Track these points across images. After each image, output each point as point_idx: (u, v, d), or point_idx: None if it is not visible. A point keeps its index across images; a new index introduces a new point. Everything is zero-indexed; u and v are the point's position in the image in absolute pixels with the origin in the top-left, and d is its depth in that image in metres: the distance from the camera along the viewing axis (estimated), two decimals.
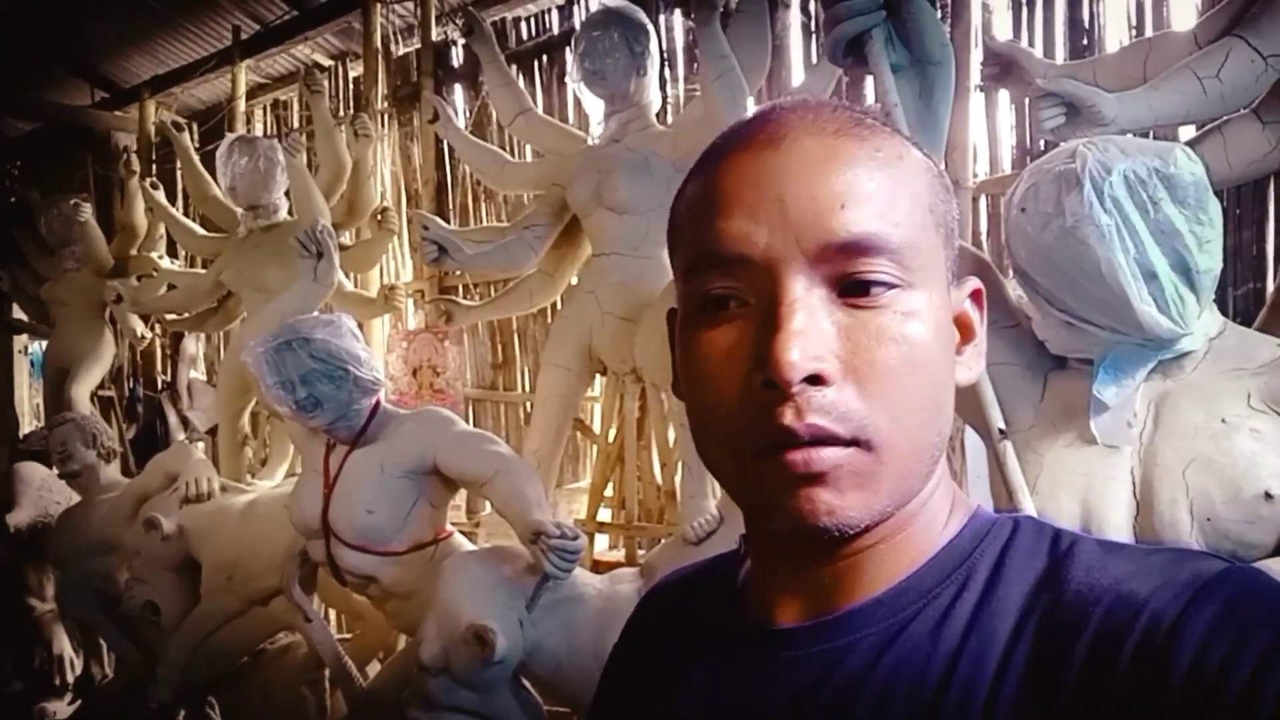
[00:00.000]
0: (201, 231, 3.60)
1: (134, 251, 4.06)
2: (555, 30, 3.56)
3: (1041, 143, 2.45)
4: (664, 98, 2.85)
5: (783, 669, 0.55)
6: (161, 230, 4.00)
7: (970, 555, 0.54)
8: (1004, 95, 2.58)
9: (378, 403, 2.30)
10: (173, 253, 4.19)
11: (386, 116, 3.70)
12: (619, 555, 2.81)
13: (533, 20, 3.64)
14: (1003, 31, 2.58)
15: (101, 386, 4.30)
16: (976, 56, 2.07)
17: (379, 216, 3.17)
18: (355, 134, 3.15)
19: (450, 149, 3.54)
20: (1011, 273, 1.52)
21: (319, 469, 2.30)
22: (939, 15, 1.60)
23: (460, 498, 2.91)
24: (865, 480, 0.49)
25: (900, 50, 1.44)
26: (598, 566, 2.63)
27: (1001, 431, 1.47)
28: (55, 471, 3.57)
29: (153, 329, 4.19)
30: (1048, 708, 0.46)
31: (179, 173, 3.84)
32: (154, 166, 4.50)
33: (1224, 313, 1.49)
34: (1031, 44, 2.53)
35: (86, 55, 4.94)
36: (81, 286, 4.04)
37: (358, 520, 2.19)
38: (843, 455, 0.49)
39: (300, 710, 2.81)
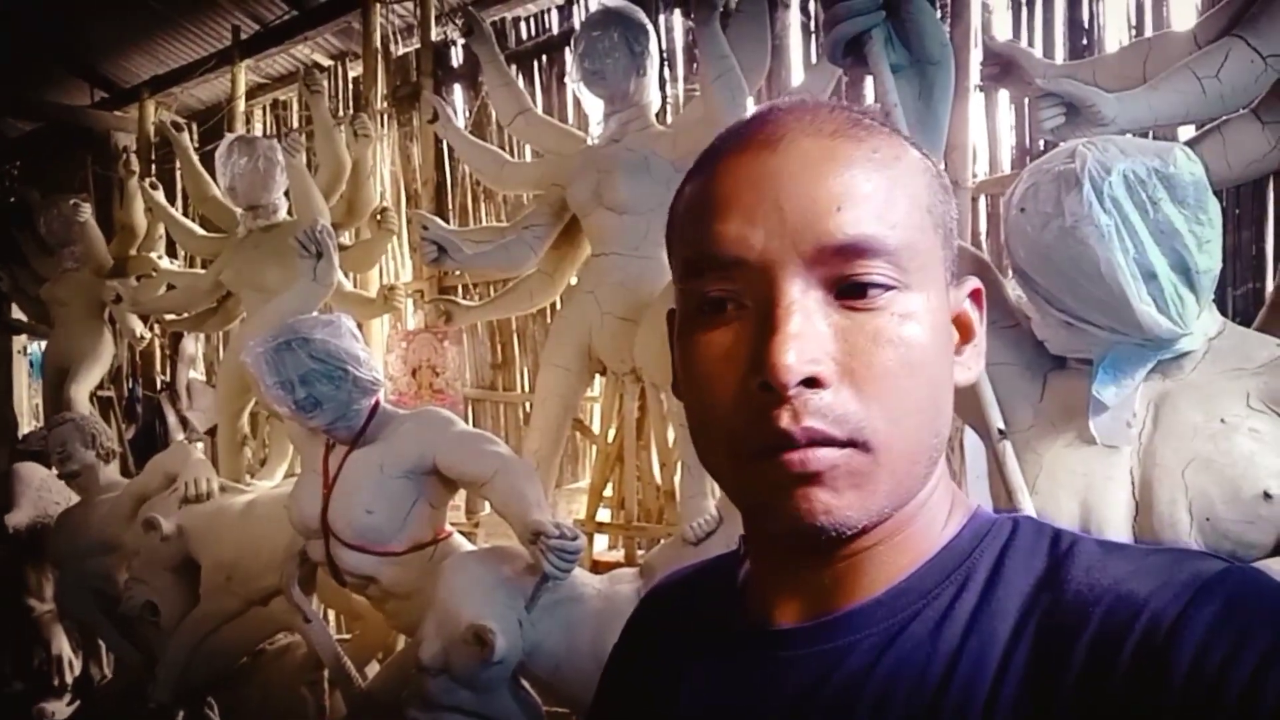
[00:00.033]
0: (201, 232, 3.59)
1: (133, 252, 4.06)
2: (555, 30, 3.56)
3: (1041, 143, 2.45)
4: (664, 98, 2.85)
5: (783, 669, 0.55)
6: (161, 230, 4.00)
7: (970, 555, 0.54)
8: (1003, 95, 2.58)
9: (377, 403, 2.30)
10: (172, 253, 4.19)
11: (386, 116, 3.70)
12: (618, 555, 2.81)
13: (532, 20, 3.64)
14: (1002, 31, 2.58)
15: (101, 387, 4.30)
16: (976, 56, 2.07)
17: (378, 216, 3.17)
18: (355, 134, 3.15)
19: (450, 149, 3.54)
20: (1011, 273, 1.52)
21: (318, 469, 2.30)
22: (938, 15, 1.60)
23: (459, 498, 2.91)
24: (862, 480, 0.49)
25: (900, 50, 1.44)
26: (597, 567, 2.63)
27: (1001, 432, 1.47)
28: (54, 472, 3.57)
29: (152, 329, 4.19)
30: (1048, 708, 0.46)
31: (178, 173, 3.84)
32: (153, 166, 4.50)
33: (1223, 313, 1.49)
34: (1031, 44, 2.53)
35: (86, 55, 4.94)
36: (81, 286, 4.04)
37: (357, 520, 2.19)
38: (839, 456, 0.49)
39: (299, 710, 2.81)
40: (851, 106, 0.55)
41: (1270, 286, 2.21)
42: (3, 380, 5.13)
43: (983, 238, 2.57)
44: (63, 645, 3.93)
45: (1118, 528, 1.37)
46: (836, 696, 0.52)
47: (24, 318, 4.61)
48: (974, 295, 0.58)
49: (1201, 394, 1.36)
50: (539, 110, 2.95)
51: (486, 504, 2.54)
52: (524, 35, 3.66)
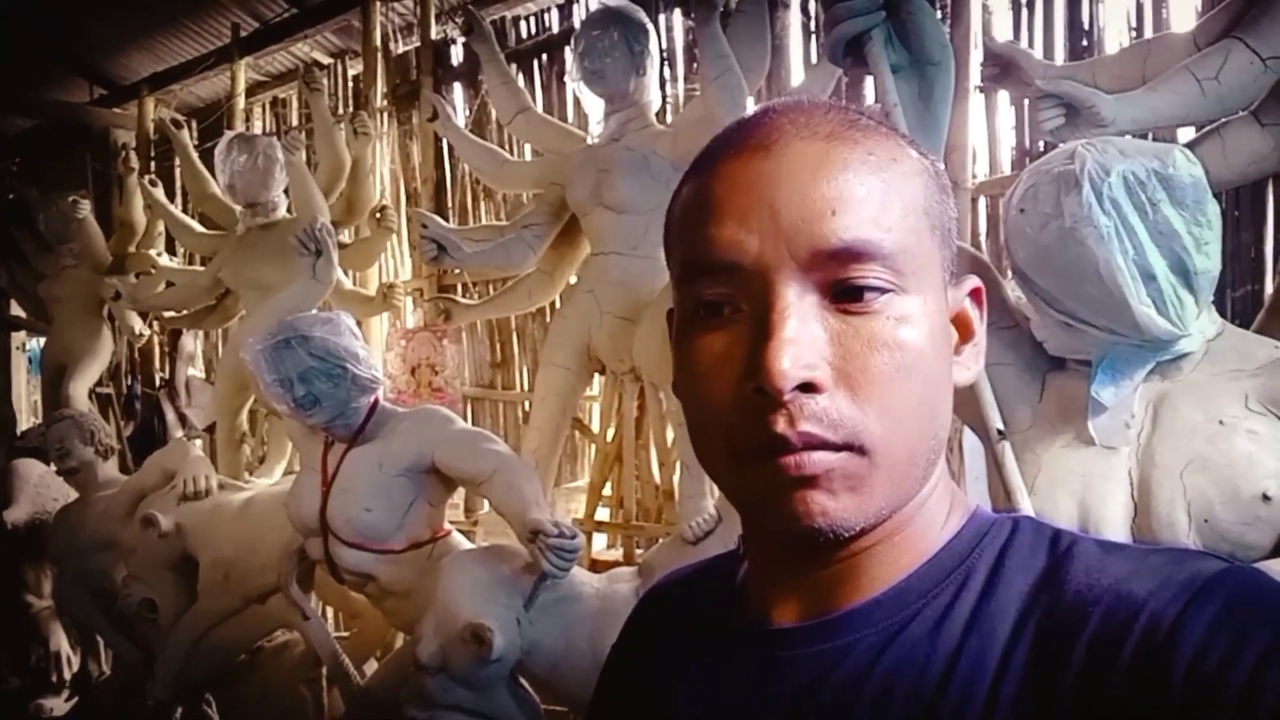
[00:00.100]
0: (200, 229, 3.59)
1: (132, 249, 4.06)
2: (555, 29, 3.56)
3: (1041, 144, 2.45)
4: (663, 97, 2.85)
5: (781, 669, 0.55)
6: (160, 228, 4.00)
7: (969, 555, 0.54)
8: (1003, 96, 2.58)
9: (376, 401, 2.30)
10: (171, 250, 4.19)
11: (386, 115, 3.70)
12: (617, 554, 2.81)
13: (532, 19, 3.63)
14: (1002, 32, 2.58)
15: (99, 383, 4.29)
16: (976, 57, 2.07)
17: (378, 215, 3.17)
18: (354, 132, 3.15)
19: (449, 147, 3.53)
20: (1010, 274, 1.52)
21: (317, 467, 2.30)
22: (938, 16, 1.60)
23: (458, 496, 2.91)
24: (858, 483, 0.50)
25: (900, 51, 1.44)
26: (595, 566, 2.63)
27: (1000, 432, 1.47)
28: (53, 468, 3.57)
29: (151, 326, 4.18)
30: (1047, 708, 0.46)
31: (178, 170, 3.84)
32: (153, 164, 4.50)
33: (1222, 315, 1.50)
34: (1031, 45, 2.53)
35: (86, 52, 4.94)
36: (80, 283, 4.04)
37: (356, 518, 2.19)
38: (835, 459, 0.49)
39: (298, 708, 2.81)
40: (848, 106, 0.55)
41: (1269, 288, 2.21)
42: (1, 377, 5.13)
43: (982, 239, 2.58)
44: (61, 642, 3.93)
45: (1116, 528, 1.37)
46: (835, 696, 0.52)
47: (23, 314, 4.61)
48: (974, 294, 0.57)
49: (1200, 395, 1.36)
50: (539, 109, 2.95)
51: (485, 502, 2.54)
52: (524, 34, 3.65)
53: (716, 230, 0.51)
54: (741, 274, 0.50)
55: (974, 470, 2.33)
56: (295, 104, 4.49)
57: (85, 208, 4.05)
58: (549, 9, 3.58)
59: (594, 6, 2.83)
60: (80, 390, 4.01)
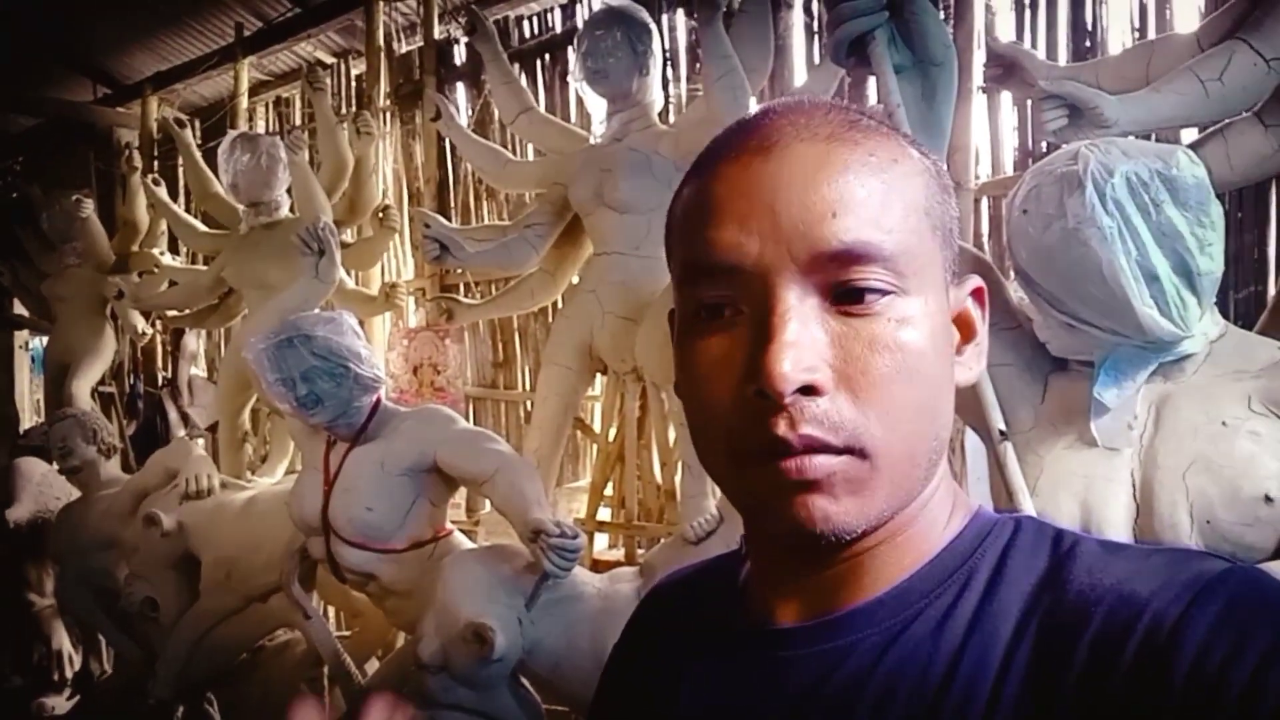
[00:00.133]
0: (203, 228, 3.60)
1: (135, 248, 4.06)
2: (558, 29, 3.56)
3: (1044, 144, 2.45)
4: (666, 97, 2.85)
5: (784, 669, 0.55)
6: (163, 227, 4.00)
7: (972, 555, 0.54)
8: (1006, 97, 2.57)
9: (378, 400, 2.30)
10: (174, 249, 4.19)
11: (389, 114, 3.71)
12: (618, 554, 2.81)
13: (535, 19, 3.64)
14: (1005, 33, 2.58)
15: (102, 382, 4.30)
16: (979, 58, 2.07)
17: (380, 214, 3.17)
18: (357, 131, 3.15)
19: (452, 147, 3.53)
20: (1013, 274, 1.52)
21: (319, 466, 2.30)
22: (942, 16, 1.60)
23: (460, 496, 2.91)
24: (860, 487, 0.49)
25: (903, 51, 1.44)
26: (597, 565, 2.63)
27: (1002, 433, 1.47)
28: (55, 467, 3.57)
29: (153, 325, 4.19)
30: (1049, 708, 0.46)
31: (181, 169, 3.85)
32: (156, 163, 4.50)
33: (1224, 316, 1.49)
34: (1034, 46, 2.53)
35: (89, 51, 4.94)
36: (83, 282, 4.04)
37: (357, 517, 2.19)
38: (836, 463, 0.49)
39: None
40: (849, 107, 0.55)
41: (1272, 290, 2.21)
42: (4, 376, 5.14)
43: (985, 239, 2.57)
44: (63, 640, 3.94)
45: (1118, 529, 1.37)
46: (838, 696, 0.52)
47: (26, 313, 4.61)
48: (975, 294, 0.57)
49: (1202, 396, 1.36)
50: (541, 109, 2.95)
51: (487, 502, 2.54)
52: (527, 34, 3.66)
53: (717, 233, 0.51)
54: (742, 276, 0.50)
55: (976, 471, 2.33)
56: (298, 103, 4.50)
57: (88, 207, 4.06)
58: (552, 9, 3.58)
59: (597, 6, 2.83)
60: (83, 389, 4.01)
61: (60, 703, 3.86)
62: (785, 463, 0.48)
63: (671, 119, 2.82)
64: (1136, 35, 2.42)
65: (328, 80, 3.44)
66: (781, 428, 0.48)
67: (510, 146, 3.23)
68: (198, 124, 4.29)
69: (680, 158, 2.44)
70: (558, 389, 2.69)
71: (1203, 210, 1.32)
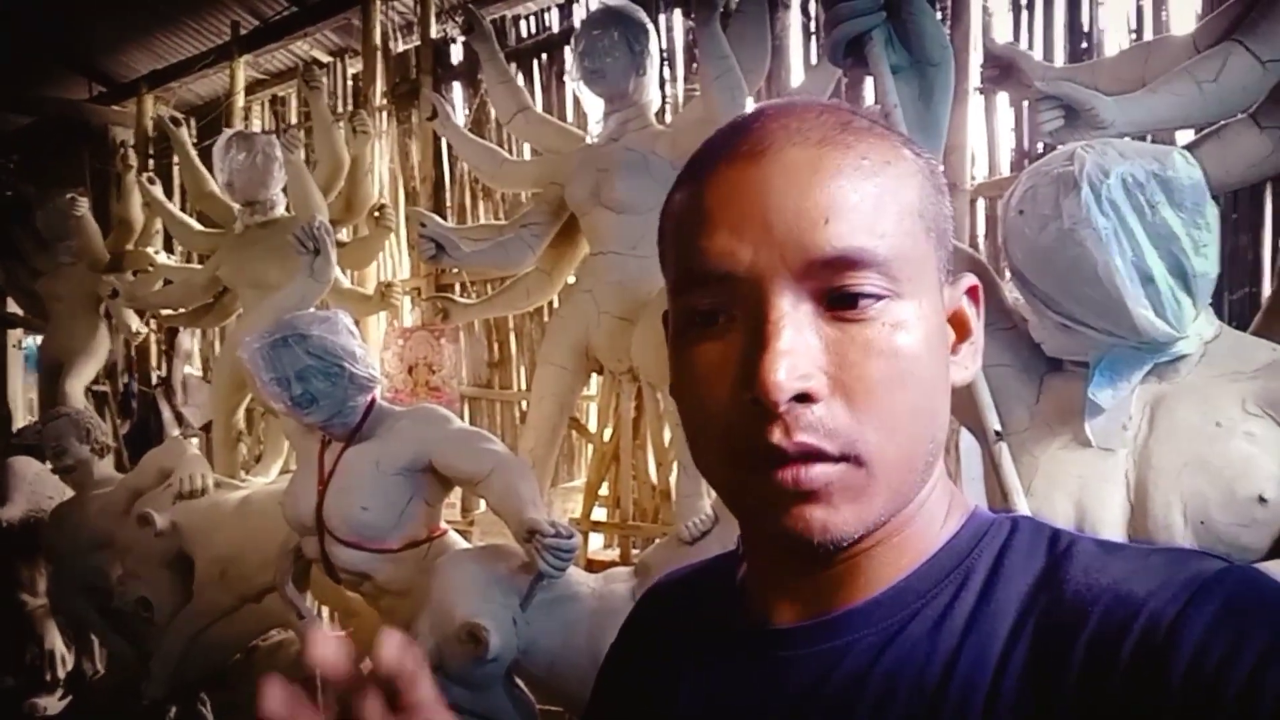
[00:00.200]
0: (198, 227, 3.59)
1: (130, 246, 4.05)
2: (555, 28, 3.56)
3: (1040, 145, 2.45)
4: (663, 97, 2.85)
5: (782, 669, 0.55)
6: (158, 225, 3.99)
7: (969, 555, 0.54)
8: (1003, 98, 2.58)
9: (373, 400, 2.30)
10: (169, 248, 4.18)
11: (385, 113, 3.70)
12: (614, 554, 2.81)
13: (532, 18, 3.63)
14: (1002, 34, 2.58)
15: (96, 381, 4.29)
16: (976, 59, 2.08)
17: (376, 213, 3.17)
18: (354, 131, 3.15)
19: (449, 146, 3.53)
20: (1008, 275, 1.52)
21: (314, 465, 2.30)
22: (939, 17, 1.60)
23: (455, 495, 2.91)
24: (857, 494, 0.49)
25: (900, 51, 1.45)
26: (592, 565, 2.62)
27: (997, 433, 1.47)
28: (49, 466, 3.56)
29: (148, 324, 4.18)
30: (1047, 707, 0.46)
31: (176, 168, 3.84)
32: (151, 161, 4.49)
33: (1220, 317, 1.50)
34: (1031, 47, 2.53)
35: (85, 50, 4.93)
36: (77, 281, 4.03)
37: (352, 517, 2.19)
38: (833, 472, 0.49)
39: None
40: (842, 108, 0.55)
41: (1267, 291, 2.21)
42: None
43: (981, 240, 2.58)
44: (55, 640, 3.93)
45: (1113, 530, 1.38)
46: (836, 696, 0.51)
47: (20, 312, 4.60)
48: (971, 293, 0.57)
49: (1197, 397, 1.36)
50: (538, 108, 2.95)
51: (482, 502, 2.54)
52: (524, 33, 3.65)
53: (709, 240, 0.51)
54: (735, 284, 0.50)
55: (970, 471, 2.33)
56: (294, 102, 4.49)
57: (83, 205, 4.05)
58: (549, 8, 3.58)
59: (594, 6, 2.83)
60: (77, 388, 4.00)
61: (53, 703, 3.85)
62: (782, 472, 0.48)
63: (668, 119, 2.82)
64: (1133, 37, 2.42)
65: (324, 79, 3.43)
66: (777, 435, 0.48)
67: (507, 146, 3.22)
68: (193, 122, 4.29)
69: (677, 158, 2.44)
70: (553, 389, 2.68)
71: (1198, 211, 1.32)
